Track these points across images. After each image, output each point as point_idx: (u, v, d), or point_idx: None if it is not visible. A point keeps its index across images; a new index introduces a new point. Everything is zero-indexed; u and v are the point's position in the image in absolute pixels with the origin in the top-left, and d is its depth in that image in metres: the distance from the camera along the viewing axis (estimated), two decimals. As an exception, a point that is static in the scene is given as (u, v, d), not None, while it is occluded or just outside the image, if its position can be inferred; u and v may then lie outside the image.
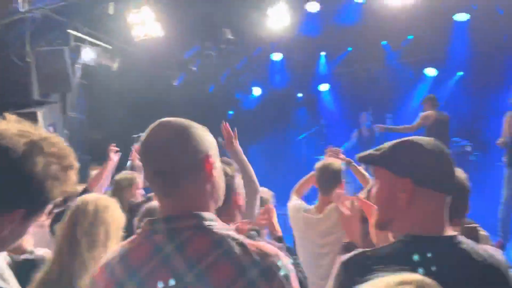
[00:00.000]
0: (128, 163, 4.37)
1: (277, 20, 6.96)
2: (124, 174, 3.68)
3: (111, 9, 5.73)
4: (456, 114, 8.00)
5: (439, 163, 1.21)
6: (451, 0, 6.77)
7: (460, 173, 1.70)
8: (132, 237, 1.14)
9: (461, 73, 8.38)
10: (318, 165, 2.92)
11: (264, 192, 2.73)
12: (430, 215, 1.19)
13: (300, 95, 9.73)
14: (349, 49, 8.61)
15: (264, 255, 1.03)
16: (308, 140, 8.23)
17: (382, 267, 1.10)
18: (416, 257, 1.13)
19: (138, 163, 4.01)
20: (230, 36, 7.44)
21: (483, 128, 7.21)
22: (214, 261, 1.01)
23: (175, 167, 1.09)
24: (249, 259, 1.01)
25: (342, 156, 3.30)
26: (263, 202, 2.58)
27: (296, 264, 1.90)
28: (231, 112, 10.25)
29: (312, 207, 2.93)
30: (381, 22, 7.19)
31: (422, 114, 6.18)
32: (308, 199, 3.31)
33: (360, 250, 1.22)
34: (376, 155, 1.26)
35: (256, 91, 9.62)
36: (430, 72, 8.48)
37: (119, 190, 3.46)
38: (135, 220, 2.49)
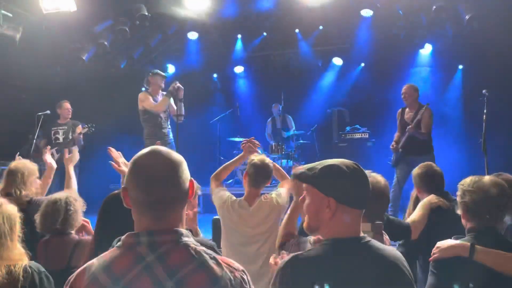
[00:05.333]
0: None
1: (195, 0, 6.92)
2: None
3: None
4: (357, 102, 8.76)
5: (357, 185, 1.51)
6: (359, -4, 7.30)
7: (381, 181, 2.03)
8: (112, 249, 1.24)
9: (363, 64, 9.08)
10: (254, 161, 3.06)
11: None
12: (347, 224, 1.50)
13: (215, 75, 9.79)
14: (264, 34, 8.83)
15: (233, 269, 1.22)
16: (222, 121, 8.38)
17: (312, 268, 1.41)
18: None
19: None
20: (145, 12, 7.23)
21: (380, 117, 7.96)
22: (191, 271, 1.16)
23: (177, 196, 1.24)
24: (220, 271, 1.19)
25: (256, 151, 3.45)
26: None
27: None
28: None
29: (241, 199, 3.11)
30: (295, 11, 7.52)
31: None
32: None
33: (292, 254, 1.49)
34: (309, 175, 1.52)
35: (171, 69, 9.48)
36: (337, 61, 9.06)
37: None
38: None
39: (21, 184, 3.10)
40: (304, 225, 1.58)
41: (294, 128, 8.43)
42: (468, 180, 2.21)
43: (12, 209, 2.03)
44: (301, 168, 1.57)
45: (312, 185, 1.52)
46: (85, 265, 1.23)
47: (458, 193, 2.24)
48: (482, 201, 2.11)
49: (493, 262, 1.99)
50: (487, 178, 2.21)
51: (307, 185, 1.55)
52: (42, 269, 2.00)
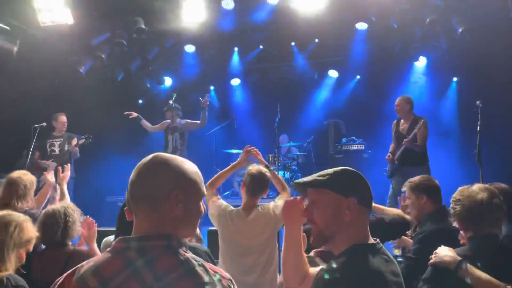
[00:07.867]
0: None
1: (192, 13, 6.98)
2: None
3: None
4: (352, 114, 8.82)
5: (368, 186, 1.55)
6: (353, 10, 7.38)
7: None
8: (103, 253, 1.27)
9: (358, 76, 9.15)
10: (250, 171, 3.07)
11: None
12: (364, 227, 1.52)
13: (212, 88, 9.85)
14: (260, 47, 8.90)
15: (221, 277, 1.22)
16: (218, 133, 8.40)
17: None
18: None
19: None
20: (142, 26, 7.29)
21: (376, 129, 8.01)
22: (178, 277, 1.17)
23: (142, 195, 1.26)
24: (208, 278, 1.19)
25: (261, 158, 3.47)
26: None
27: None
28: (140, 101, 10.03)
29: (238, 209, 3.10)
30: (291, 24, 7.59)
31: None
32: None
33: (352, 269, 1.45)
34: (323, 180, 1.52)
35: (168, 81, 9.53)
36: (333, 74, 9.14)
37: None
38: None
39: (21, 196, 3.10)
40: (313, 238, 1.53)
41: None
42: (457, 191, 2.25)
43: (16, 218, 2.04)
44: (305, 178, 1.57)
45: (330, 188, 1.50)
46: (74, 268, 1.24)
47: (451, 206, 2.27)
48: (473, 207, 2.13)
49: (474, 282, 2.01)
50: (475, 186, 2.23)
51: (317, 192, 1.54)
52: (21, 282, 1.99)
